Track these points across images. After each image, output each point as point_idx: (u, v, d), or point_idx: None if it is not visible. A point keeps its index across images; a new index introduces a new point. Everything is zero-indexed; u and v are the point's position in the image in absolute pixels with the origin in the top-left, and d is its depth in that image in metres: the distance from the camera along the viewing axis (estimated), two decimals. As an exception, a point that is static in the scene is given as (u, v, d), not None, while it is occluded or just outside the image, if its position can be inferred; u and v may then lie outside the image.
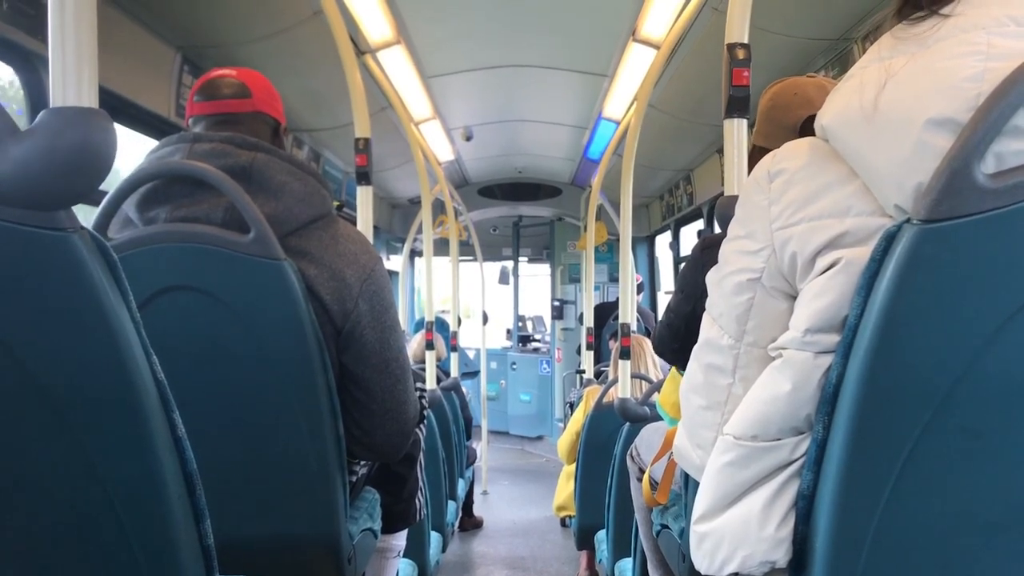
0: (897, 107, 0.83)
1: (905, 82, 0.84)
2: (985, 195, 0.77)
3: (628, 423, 2.90)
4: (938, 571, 0.86)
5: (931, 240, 0.79)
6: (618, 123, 4.73)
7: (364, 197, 2.40)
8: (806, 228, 0.90)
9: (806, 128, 1.64)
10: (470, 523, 5.18)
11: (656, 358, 3.87)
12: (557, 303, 8.44)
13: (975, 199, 0.77)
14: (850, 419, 0.84)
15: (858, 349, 0.83)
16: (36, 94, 2.35)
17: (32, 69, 2.32)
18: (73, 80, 0.83)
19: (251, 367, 1.42)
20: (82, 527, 0.89)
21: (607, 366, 4.83)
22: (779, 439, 0.91)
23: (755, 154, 1.68)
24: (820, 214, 0.89)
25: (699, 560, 1.00)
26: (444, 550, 3.86)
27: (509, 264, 9.46)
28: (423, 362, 4.14)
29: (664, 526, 2.04)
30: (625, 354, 3.16)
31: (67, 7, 0.83)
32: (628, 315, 3.26)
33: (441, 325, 5.49)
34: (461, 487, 4.75)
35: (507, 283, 9.39)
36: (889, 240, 0.81)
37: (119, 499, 0.87)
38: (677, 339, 1.87)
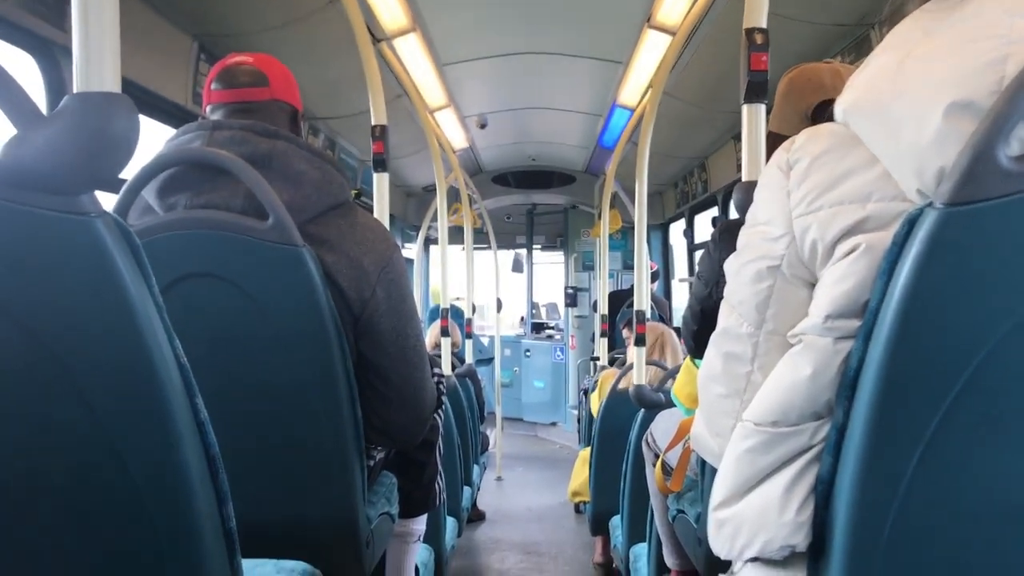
0: (917, 91, 0.83)
1: (925, 66, 0.83)
2: (1009, 178, 0.76)
3: (643, 409, 2.90)
4: (958, 555, 0.86)
5: (953, 224, 0.78)
6: (633, 110, 4.72)
7: (381, 184, 2.40)
8: (827, 214, 0.89)
9: (818, 114, 1.64)
10: (474, 514, 5.12)
11: (676, 346, 3.87)
12: (571, 291, 8.43)
13: (998, 182, 0.76)
14: (870, 404, 0.84)
15: (879, 334, 0.83)
16: (54, 81, 2.36)
17: (50, 56, 2.33)
18: (96, 66, 0.83)
19: (270, 353, 1.43)
20: (105, 510, 0.89)
21: (621, 353, 4.84)
22: (799, 424, 0.91)
23: (770, 140, 1.68)
24: (842, 199, 0.88)
25: (718, 546, 1.00)
26: (459, 535, 3.87)
27: (523, 252, 9.45)
28: (439, 348, 4.16)
29: (680, 511, 2.04)
30: (640, 341, 3.16)
31: None
32: (643, 302, 3.26)
33: (456, 313, 5.50)
34: (476, 473, 4.76)
35: (521, 271, 9.39)
36: (911, 224, 0.81)
37: (143, 482, 0.88)
38: (696, 321, 1.86)
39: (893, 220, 0.85)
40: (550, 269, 9.78)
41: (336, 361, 1.44)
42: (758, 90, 1.63)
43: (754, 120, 1.65)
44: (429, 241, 7.94)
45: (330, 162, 1.54)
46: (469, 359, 5.14)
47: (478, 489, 5.18)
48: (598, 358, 5.46)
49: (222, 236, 1.39)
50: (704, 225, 6.47)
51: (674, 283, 7.39)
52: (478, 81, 4.74)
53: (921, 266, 0.79)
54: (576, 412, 7.29)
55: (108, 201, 1.48)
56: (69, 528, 0.89)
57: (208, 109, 1.60)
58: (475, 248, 5.80)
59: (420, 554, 2.53)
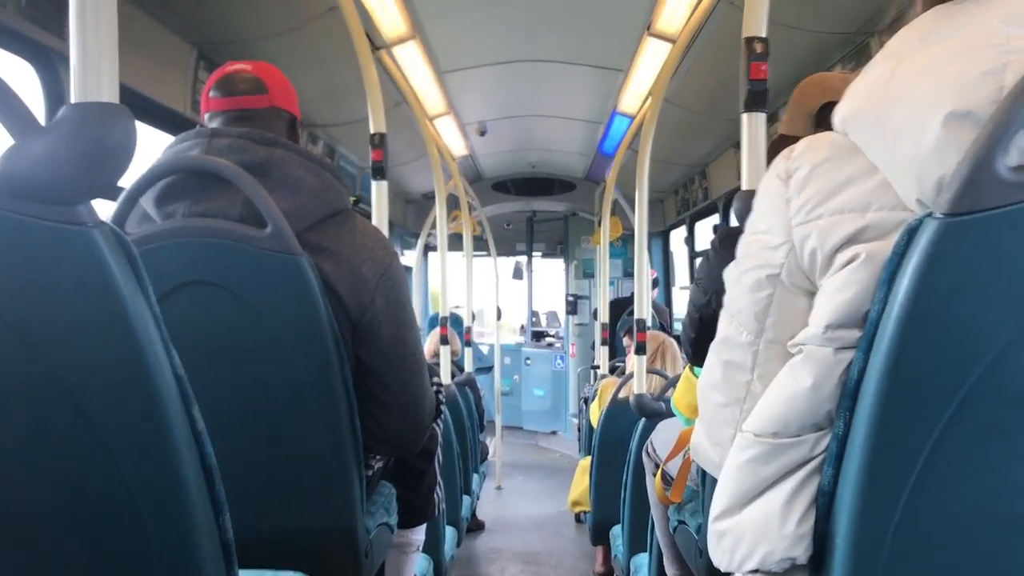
0: (916, 101, 0.83)
1: (924, 76, 0.83)
2: (1008, 188, 0.76)
3: (644, 419, 2.89)
4: (960, 566, 0.86)
5: (953, 234, 0.78)
6: (633, 118, 4.72)
7: (380, 192, 2.40)
8: (827, 223, 0.89)
9: (823, 114, 1.65)
10: (473, 523, 5.06)
11: (676, 354, 3.86)
12: (571, 298, 8.43)
13: (998, 192, 0.76)
14: (871, 415, 0.83)
15: (879, 344, 0.82)
16: (53, 90, 2.36)
17: (49, 65, 2.33)
18: (94, 76, 0.83)
19: (268, 362, 1.42)
20: (102, 520, 0.89)
21: (621, 361, 4.83)
22: (799, 435, 0.91)
23: (778, 143, 1.68)
24: (841, 208, 0.88)
25: (718, 558, 0.99)
26: (459, 545, 3.86)
27: (523, 259, 9.45)
28: (438, 356, 4.15)
29: (681, 522, 2.03)
30: (640, 349, 3.15)
31: (88, 3, 0.83)
32: (643, 311, 3.25)
33: (455, 321, 5.49)
34: (475, 482, 4.75)
35: (521, 278, 9.39)
36: (911, 234, 0.81)
37: (139, 493, 0.87)
38: (694, 328, 1.86)
39: (893, 230, 0.84)
40: (550, 277, 9.78)
41: (335, 369, 1.44)
42: (758, 99, 1.63)
43: (754, 129, 1.65)
44: (428, 248, 7.93)
45: (328, 169, 1.54)
46: (468, 367, 5.13)
47: (477, 498, 5.15)
48: (598, 366, 5.45)
49: (220, 244, 1.38)
50: (705, 232, 6.47)
51: (675, 291, 7.38)
52: (478, 88, 4.75)
53: (921, 276, 0.79)
54: (576, 421, 7.27)
55: (106, 208, 1.48)
56: (66, 539, 0.89)
57: (206, 117, 1.60)
58: (475, 255, 5.80)
59: (419, 564, 2.51)
